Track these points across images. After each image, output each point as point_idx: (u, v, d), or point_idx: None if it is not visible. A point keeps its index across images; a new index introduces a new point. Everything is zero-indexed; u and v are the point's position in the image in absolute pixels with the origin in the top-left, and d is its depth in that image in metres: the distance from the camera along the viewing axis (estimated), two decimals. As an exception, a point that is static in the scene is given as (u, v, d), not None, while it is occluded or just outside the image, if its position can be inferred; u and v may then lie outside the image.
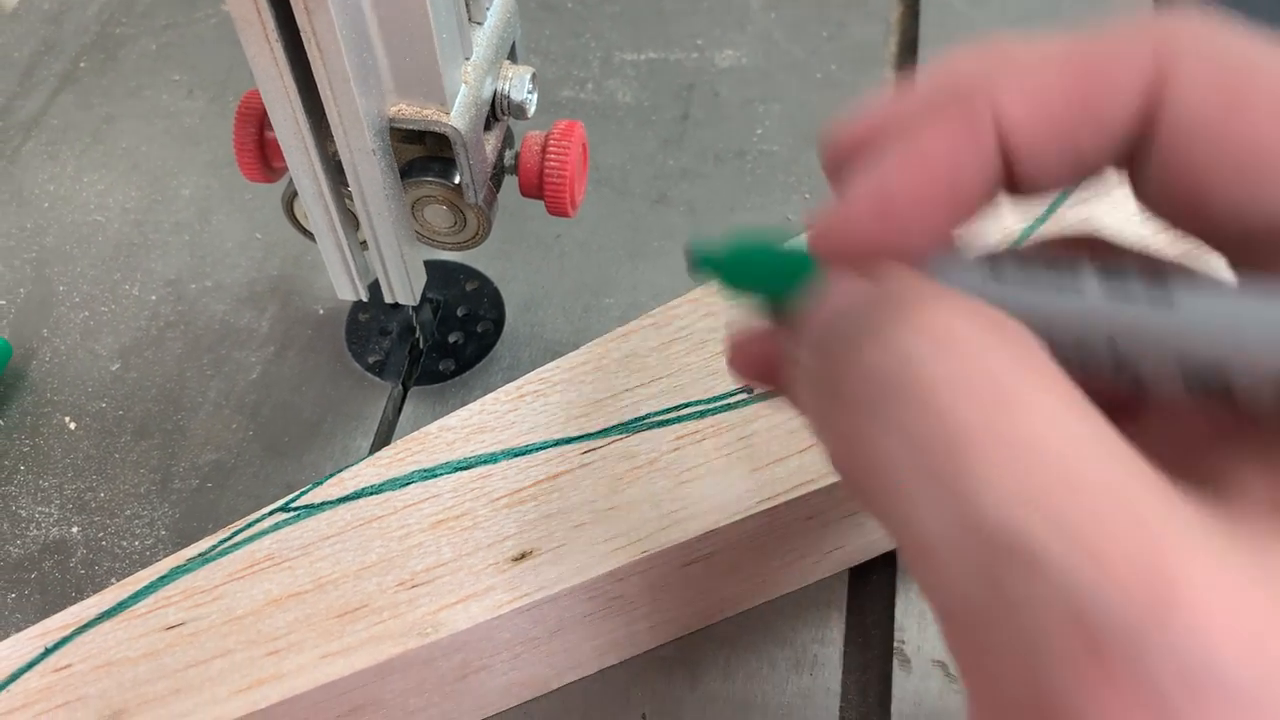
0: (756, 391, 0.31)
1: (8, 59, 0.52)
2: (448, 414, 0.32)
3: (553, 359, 0.33)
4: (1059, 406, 0.15)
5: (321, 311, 0.43)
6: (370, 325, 0.42)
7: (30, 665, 0.28)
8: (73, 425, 0.40)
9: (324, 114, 0.30)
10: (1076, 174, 0.19)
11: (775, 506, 0.30)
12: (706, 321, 0.33)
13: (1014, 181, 0.19)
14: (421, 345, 0.42)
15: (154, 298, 0.43)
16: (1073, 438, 0.15)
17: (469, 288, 0.43)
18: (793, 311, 0.20)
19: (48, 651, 0.28)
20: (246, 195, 0.46)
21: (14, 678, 0.28)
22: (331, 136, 0.31)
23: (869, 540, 0.34)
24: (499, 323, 0.42)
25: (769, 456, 0.30)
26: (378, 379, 0.41)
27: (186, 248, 0.45)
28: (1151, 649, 0.13)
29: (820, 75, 0.50)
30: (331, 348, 0.42)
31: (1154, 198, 0.18)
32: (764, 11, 0.52)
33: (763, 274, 0.21)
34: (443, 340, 0.42)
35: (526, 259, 0.44)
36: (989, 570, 0.15)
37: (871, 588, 0.36)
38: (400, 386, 0.41)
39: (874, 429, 0.16)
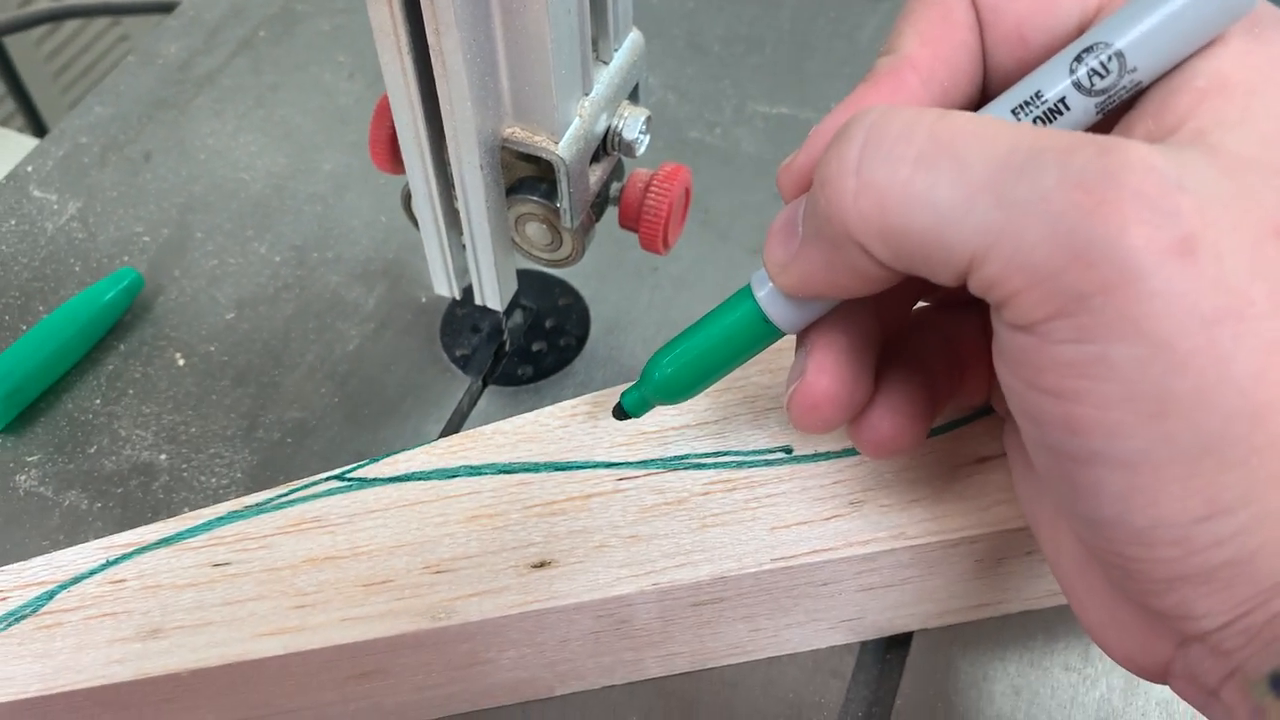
0: (794, 454, 0.32)
1: (199, 19, 0.57)
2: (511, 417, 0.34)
3: (625, 382, 0.35)
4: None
5: (424, 300, 0.45)
6: (464, 320, 0.45)
7: (91, 573, 0.31)
8: (181, 361, 0.43)
9: (442, 124, 0.33)
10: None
11: (790, 567, 0.31)
12: (762, 379, 0.34)
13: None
14: (506, 348, 0.44)
15: (278, 259, 0.47)
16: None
17: (561, 302, 0.45)
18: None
19: (108, 564, 0.31)
20: (379, 180, 0.49)
21: (75, 580, 0.31)
22: (446, 145, 0.33)
23: (884, 618, 0.35)
24: (582, 340, 0.44)
25: (793, 518, 0.31)
26: (460, 372, 0.43)
27: (317, 218, 0.48)
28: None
29: (944, 156, 0.50)
30: (425, 335, 0.44)
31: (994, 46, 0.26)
32: (902, 85, 0.53)
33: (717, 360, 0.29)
34: (527, 347, 0.44)
35: (620, 285, 0.46)
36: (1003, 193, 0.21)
37: (879, 667, 0.36)
38: (479, 383, 0.43)
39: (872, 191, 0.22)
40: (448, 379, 0.43)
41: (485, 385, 0.43)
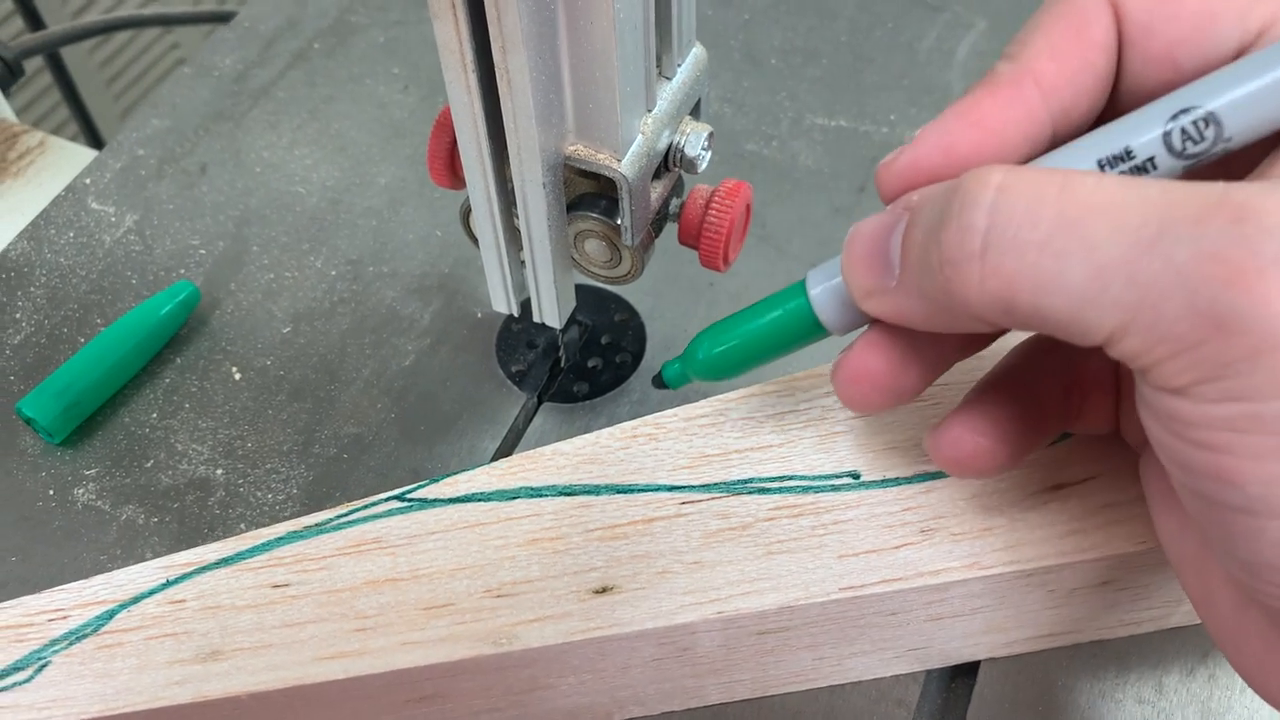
0: (862, 479, 0.32)
1: (254, 30, 0.57)
2: (570, 436, 0.34)
3: (680, 403, 0.34)
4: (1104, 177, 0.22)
5: (479, 315, 0.45)
6: (520, 336, 0.44)
7: (151, 592, 0.31)
8: (238, 376, 0.43)
9: (505, 140, 0.32)
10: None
11: (858, 597, 0.30)
12: (828, 400, 0.33)
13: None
14: (562, 364, 0.43)
15: (334, 273, 0.47)
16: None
17: (617, 318, 0.45)
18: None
19: (168, 583, 0.31)
20: (435, 194, 0.49)
21: (136, 600, 0.30)
22: (509, 162, 0.33)
23: (951, 647, 0.34)
24: (637, 357, 0.44)
25: (861, 546, 0.30)
26: (516, 388, 0.43)
27: (372, 232, 0.48)
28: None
29: (1006, 170, 0.49)
30: (481, 350, 0.44)
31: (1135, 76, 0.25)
32: (963, 97, 0.52)
33: (763, 345, 0.30)
34: (582, 363, 0.44)
35: (677, 301, 0.45)
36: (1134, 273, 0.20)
37: (945, 696, 0.35)
38: (535, 399, 0.43)
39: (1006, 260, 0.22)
40: (503, 395, 0.43)
41: (541, 402, 0.43)
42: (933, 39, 0.55)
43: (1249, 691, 0.34)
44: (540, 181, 0.33)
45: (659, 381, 0.33)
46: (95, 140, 0.97)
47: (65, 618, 0.30)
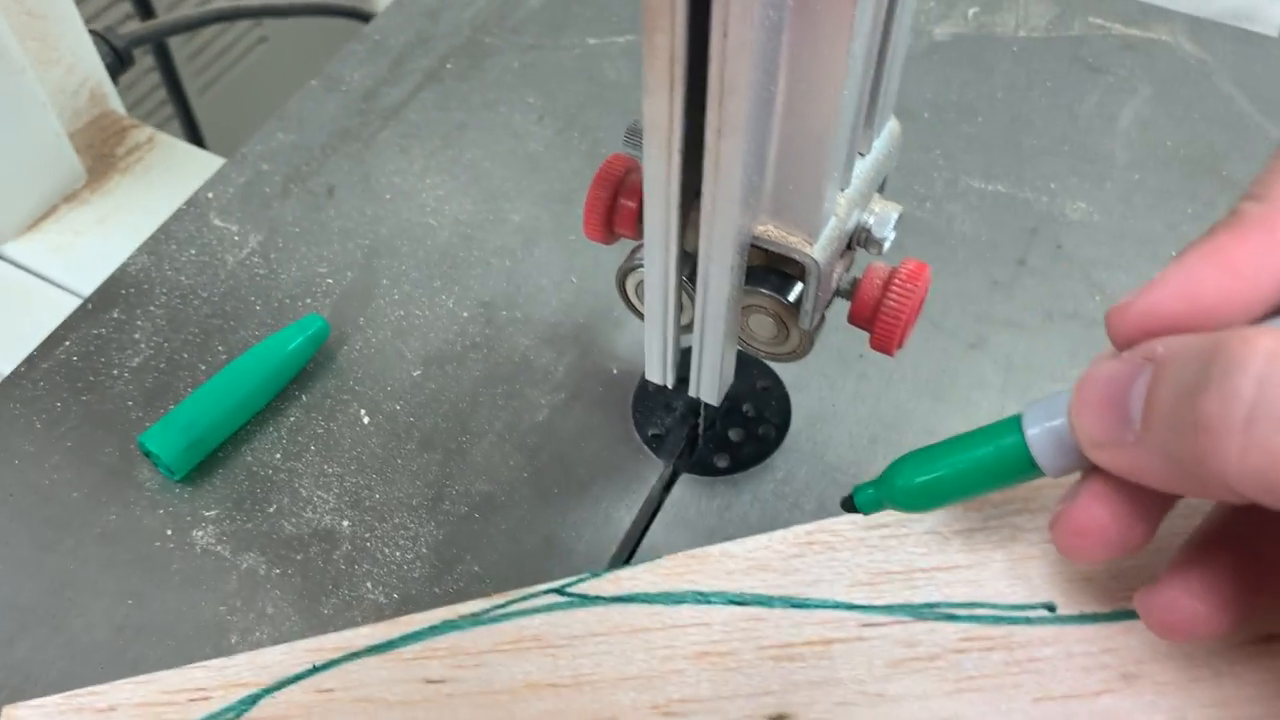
0: (1058, 612, 0.29)
1: (384, 45, 0.55)
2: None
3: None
4: None
5: (615, 371, 0.43)
6: (657, 398, 0.42)
7: (298, 678, 0.29)
8: (366, 419, 0.42)
9: (693, 211, 0.30)
10: None
11: (1053, 745, 0.28)
12: (1020, 519, 0.31)
13: None
14: (701, 432, 0.41)
15: (465, 314, 0.45)
16: None
17: (760, 385, 0.43)
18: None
19: (315, 670, 0.29)
20: (570, 236, 0.47)
21: (281, 685, 0.29)
22: (691, 233, 0.31)
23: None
24: (782, 429, 0.42)
25: (1059, 690, 0.28)
26: (653, 454, 0.41)
27: (505, 273, 0.46)
28: None
29: (1174, 253, 0.46)
30: (617, 409, 0.42)
31: None
32: (1128, 170, 0.49)
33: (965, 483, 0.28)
34: (723, 433, 0.41)
35: (824, 371, 0.43)
36: None
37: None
38: (672, 468, 0.41)
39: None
40: (639, 460, 0.41)
41: (679, 471, 0.41)
42: (1094, 103, 0.52)
43: None
44: (729, 264, 0.30)
45: (849, 505, 0.30)
46: (195, 137, 0.96)
47: (207, 699, 0.29)
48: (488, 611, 0.30)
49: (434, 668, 0.29)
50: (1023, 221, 0.47)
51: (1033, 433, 0.26)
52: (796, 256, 0.31)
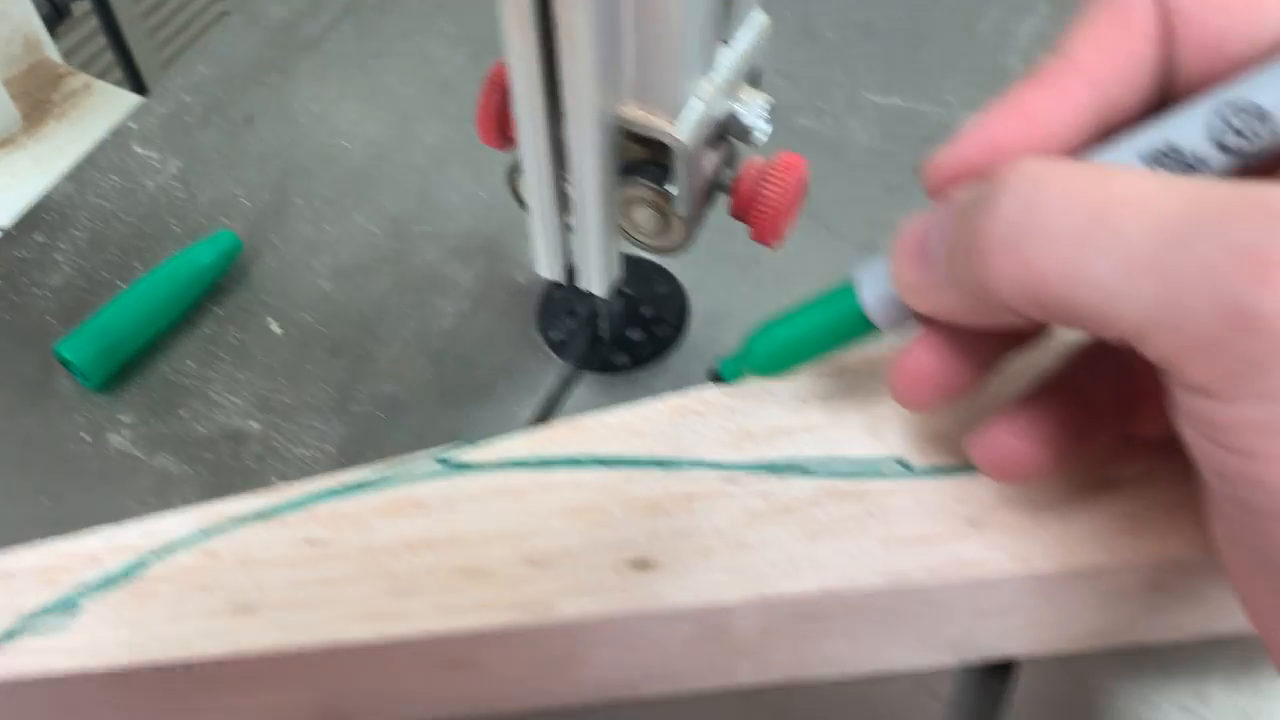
0: (910, 466, 0.31)
1: (305, -20, 0.56)
2: (609, 406, 0.33)
3: None
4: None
5: (521, 280, 0.44)
6: (561, 304, 0.44)
7: (186, 542, 0.30)
8: (277, 329, 0.43)
9: (559, 101, 0.31)
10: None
11: (902, 587, 0.29)
12: (878, 384, 0.33)
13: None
14: (603, 334, 0.43)
15: (376, 230, 0.46)
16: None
17: (660, 290, 0.44)
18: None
19: (203, 534, 0.30)
20: (481, 155, 0.48)
21: (171, 549, 0.30)
22: (563, 123, 0.32)
23: (991, 642, 0.33)
24: (680, 330, 0.43)
25: (908, 535, 0.30)
26: (555, 356, 0.42)
27: (416, 190, 0.47)
28: None
29: (1065, 157, 0.48)
30: (521, 316, 0.44)
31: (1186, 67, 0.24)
32: (1024, 81, 0.51)
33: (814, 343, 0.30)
34: (623, 334, 0.43)
35: (722, 275, 0.44)
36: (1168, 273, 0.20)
37: (981, 692, 0.35)
38: (574, 369, 0.42)
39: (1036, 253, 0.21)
40: (542, 362, 0.42)
41: (580, 372, 0.42)
42: (993, 20, 0.54)
43: (1294, 703, 0.34)
44: (594, 144, 0.32)
45: (714, 376, 0.33)
46: (140, 87, 0.97)
47: (98, 563, 0.30)
48: (369, 480, 0.31)
49: (316, 530, 0.30)
50: (919, 132, 0.49)
51: (865, 290, 0.28)
52: (662, 138, 0.33)
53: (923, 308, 0.26)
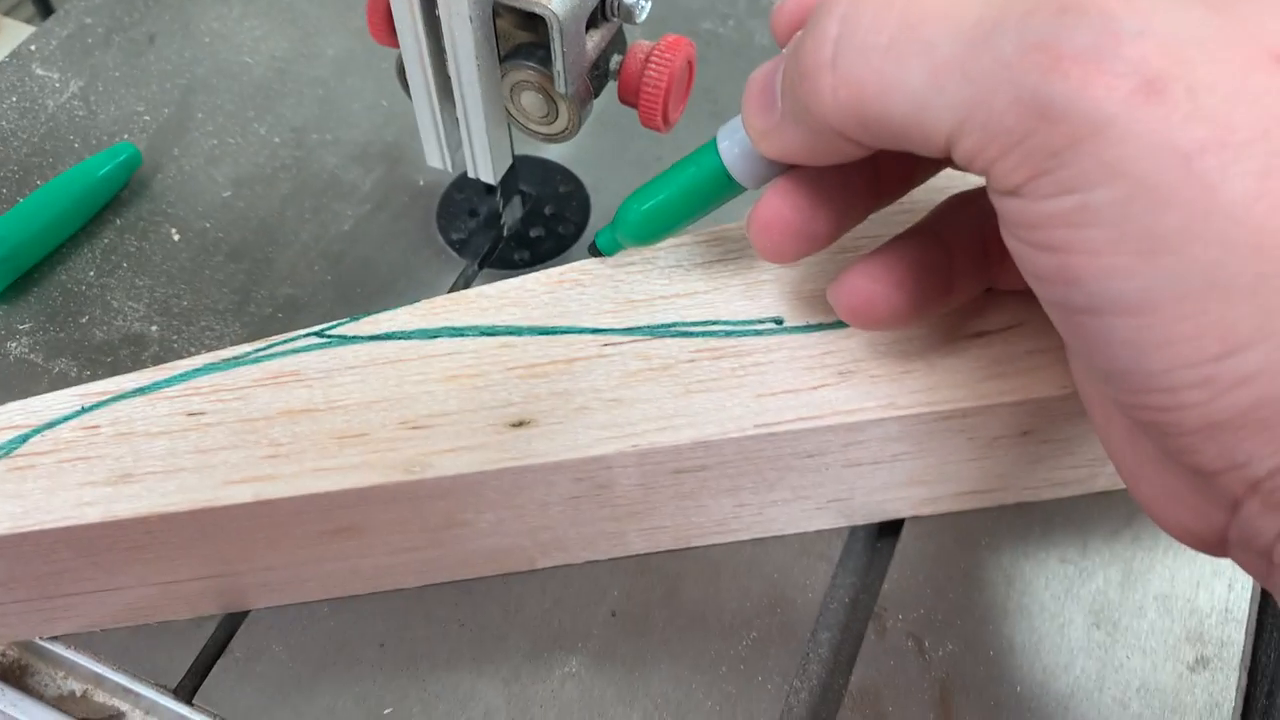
0: (785, 324, 0.32)
1: (207, -96, 0.56)
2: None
3: None
4: None
5: (421, 183, 0.45)
6: (462, 204, 0.44)
7: (65, 418, 0.30)
8: (176, 237, 0.43)
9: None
10: None
11: (774, 434, 0.30)
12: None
13: None
14: (504, 232, 0.43)
15: (277, 140, 0.46)
16: None
17: (562, 189, 0.44)
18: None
19: (83, 410, 0.30)
20: (383, 64, 0.48)
21: (50, 425, 0.30)
22: (439, 7, 0.32)
23: (874, 500, 0.34)
24: (580, 226, 0.43)
25: (779, 386, 0.30)
26: (456, 255, 0.43)
27: (317, 101, 0.47)
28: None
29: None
30: (422, 218, 0.44)
31: None
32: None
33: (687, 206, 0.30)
34: (524, 232, 0.43)
35: (623, 174, 0.45)
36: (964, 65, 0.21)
37: (868, 553, 0.36)
38: (475, 266, 0.43)
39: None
40: (442, 262, 0.43)
41: (480, 269, 0.43)
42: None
43: (1172, 551, 0.35)
44: (466, 15, 0.32)
45: (594, 250, 0.33)
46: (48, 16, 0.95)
47: (-21, 441, 0.30)
48: (249, 354, 0.32)
49: (196, 402, 0.31)
50: (820, 33, 0.49)
51: (724, 146, 0.28)
52: (537, 10, 0.33)
53: (771, 151, 0.26)
